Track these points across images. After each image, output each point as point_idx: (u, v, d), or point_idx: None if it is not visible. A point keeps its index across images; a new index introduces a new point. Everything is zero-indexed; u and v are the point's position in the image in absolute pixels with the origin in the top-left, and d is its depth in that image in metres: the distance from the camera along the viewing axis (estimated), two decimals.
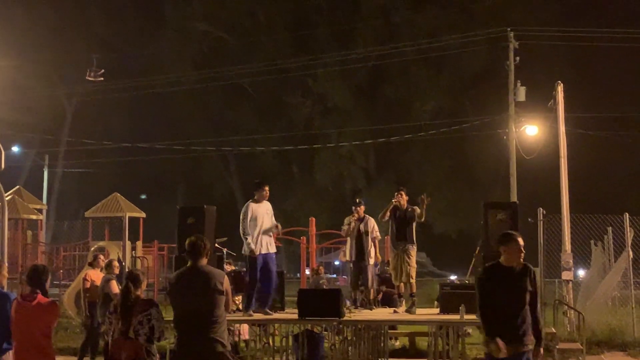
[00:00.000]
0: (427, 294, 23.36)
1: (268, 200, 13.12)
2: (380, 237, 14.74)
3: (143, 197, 44.89)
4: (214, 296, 7.26)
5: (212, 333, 7.18)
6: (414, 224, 13.64)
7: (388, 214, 13.68)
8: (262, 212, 12.76)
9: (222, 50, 45.53)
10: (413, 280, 13.68)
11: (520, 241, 7.54)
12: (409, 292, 13.75)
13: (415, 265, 13.64)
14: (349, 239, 14.66)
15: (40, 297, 7.36)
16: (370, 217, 14.64)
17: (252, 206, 12.76)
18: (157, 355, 7.71)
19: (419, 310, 13.96)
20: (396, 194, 13.76)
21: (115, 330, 7.60)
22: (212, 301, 7.26)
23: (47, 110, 43.88)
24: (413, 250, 13.56)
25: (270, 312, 12.86)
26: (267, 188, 13.02)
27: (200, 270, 7.38)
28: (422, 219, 13.63)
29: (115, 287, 13.27)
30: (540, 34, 35.27)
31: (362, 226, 14.50)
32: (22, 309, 7.36)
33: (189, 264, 7.50)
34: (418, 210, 13.59)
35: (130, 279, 7.73)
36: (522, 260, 7.52)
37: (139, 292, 7.69)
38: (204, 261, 7.46)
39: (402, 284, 13.76)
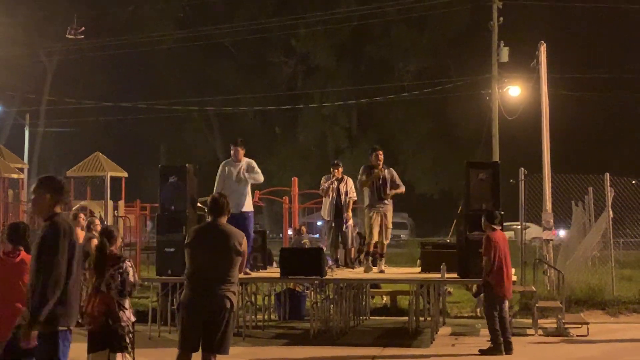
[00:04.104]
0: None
1: (252, 158, 13.12)
2: (355, 198, 14.74)
3: None
4: (231, 255, 7.32)
5: (224, 290, 7.23)
6: (389, 184, 13.54)
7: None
8: (233, 172, 12.76)
9: (204, 8, 45.04)
10: (387, 241, 13.70)
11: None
12: (379, 252, 13.78)
13: (391, 227, 13.74)
14: (324, 198, 14.68)
15: (23, 254, 7.36)
16: (348, 178, 14.63)
17: (221, 167, 12.86)
18: (130, 309, 7.83)
19: (401, 269, 14.01)
20: (375, 154, 13.61)
21: (90, 286, 7.77)
22: (229, 259, 7.32)
23: (28, 69, 43.36)
24: (391, 211, 13.60)
25: (250, 271, 12.78)
26: (234, 147, 12.95)
27: (220, 228, 7.41)
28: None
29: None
30: None
31: (341, 186, 14.52)
32: (5, 265, 7.36)
33: (209, 219, 7.56)
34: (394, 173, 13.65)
35: (105, 234, 7.90)
36: None
37: (113, 248, 7.84)
38: (224, 219, 7.49)
39: (372, 243, 13.68)
